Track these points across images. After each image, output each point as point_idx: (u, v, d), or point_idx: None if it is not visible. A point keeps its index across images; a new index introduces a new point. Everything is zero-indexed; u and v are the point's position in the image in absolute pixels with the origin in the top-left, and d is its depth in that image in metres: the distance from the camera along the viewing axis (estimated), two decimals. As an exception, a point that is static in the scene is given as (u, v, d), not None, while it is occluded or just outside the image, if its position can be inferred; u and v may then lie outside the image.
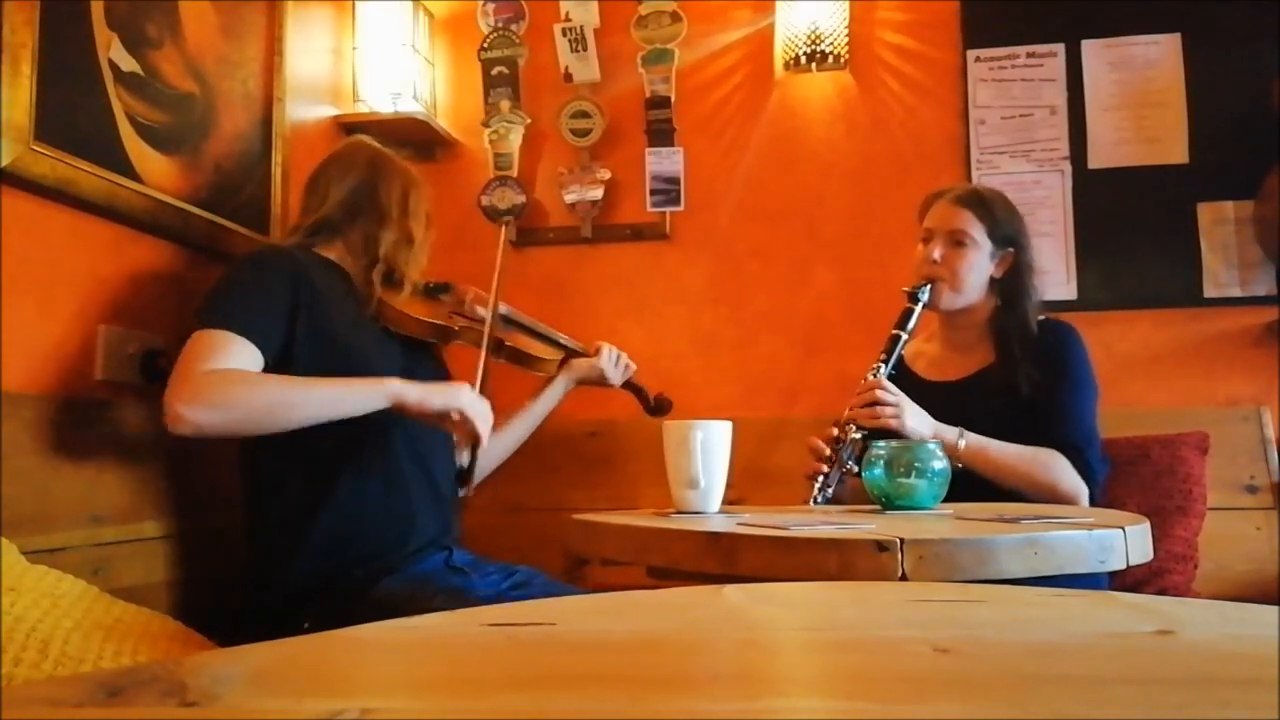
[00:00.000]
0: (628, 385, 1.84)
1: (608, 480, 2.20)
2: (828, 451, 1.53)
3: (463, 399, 1.36)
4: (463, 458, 1.38)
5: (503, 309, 1.62)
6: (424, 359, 1.59)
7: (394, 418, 1.43)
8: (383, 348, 1.49)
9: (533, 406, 1.75)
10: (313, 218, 1.53)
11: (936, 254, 1.65)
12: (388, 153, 1.61)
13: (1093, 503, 1.54)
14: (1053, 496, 1.51)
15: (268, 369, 1.33)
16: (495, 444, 1.71)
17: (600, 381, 1.79)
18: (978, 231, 1.65)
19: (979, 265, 1.65)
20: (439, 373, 1.63)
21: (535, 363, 1.70)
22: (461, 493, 1.43)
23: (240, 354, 1.29)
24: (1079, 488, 1.52)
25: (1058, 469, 1.51)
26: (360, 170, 1.55)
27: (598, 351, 1.79)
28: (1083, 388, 1.61)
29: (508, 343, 1.64)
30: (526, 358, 1.68)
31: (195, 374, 1.25)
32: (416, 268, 1.56)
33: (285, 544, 1.37)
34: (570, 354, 1.78)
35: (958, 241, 1.65)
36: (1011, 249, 1.67)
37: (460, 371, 1.70)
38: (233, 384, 1.26)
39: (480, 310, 1.59)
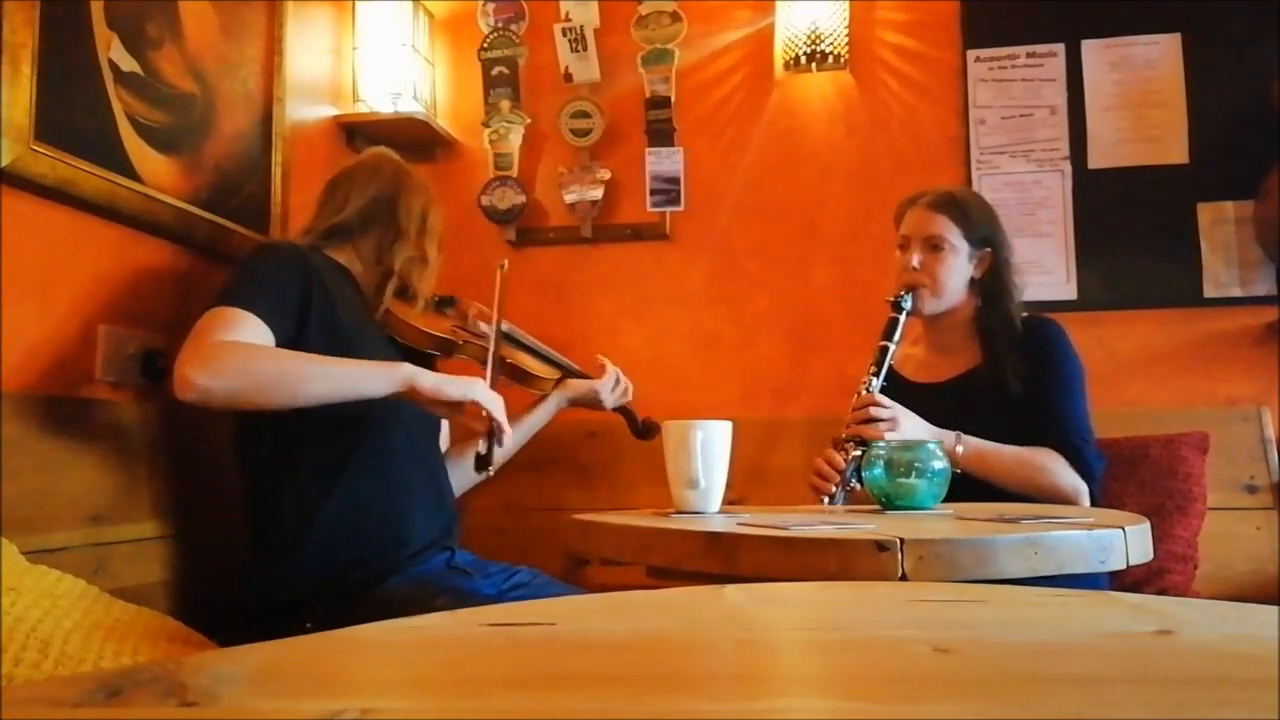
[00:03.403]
0: (618, 409, 1.85)
1: (607, 480, 2.20)
2: (835, 475, 1.53)
3: (477, 389, 1.36)
4: (481, 445, 1.39)
5: (505, 326, 1.64)
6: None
7: (397, 418, 1.43)
8: (386, 354, 1.49)
9: (523, 423, 1.76)
10: (328, 221, 1.55)
11: (915, 260, 1.65)
12: (411, 169, 1.63)
13: (1093, 499, 1.54)
14: (1054, 496, 1.51)
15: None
16: None
17: (594, 403, 1.80)
18: (954, 235, 1.65)
19: (958, 268, 1.66)
20: None
21: (533, 381, 1.71)
22: (480, 476, 1.43)
23: (253, 330, 1.29)
24: (1079, 486, 1.52)
25: (1056, 469, 1.51)
26: (383, 182, 1.57)
27: (602, 371, 1.81)
28: (1073, 385, 1.61)
29: (508, 360, 1.65)
30: (525, 375, 1.69)
31: (206, 342, 1.24)
32: (428, 285, 1.58)
33: (287, 544, 1.37)
34: (567, 374, 1.80)
35: (935, 246, 1.65)
36: (989, 248, 1.68)
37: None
38: (244, 353, 1.26)
39: (484, 326, 1.61)
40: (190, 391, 1.20)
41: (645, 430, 1.85)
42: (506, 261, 1.58)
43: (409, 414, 1.49)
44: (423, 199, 1.59)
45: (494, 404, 1.36)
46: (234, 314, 1.29)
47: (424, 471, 1.51)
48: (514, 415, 1.74)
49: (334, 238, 1.54)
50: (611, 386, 1.81)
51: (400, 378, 1.31)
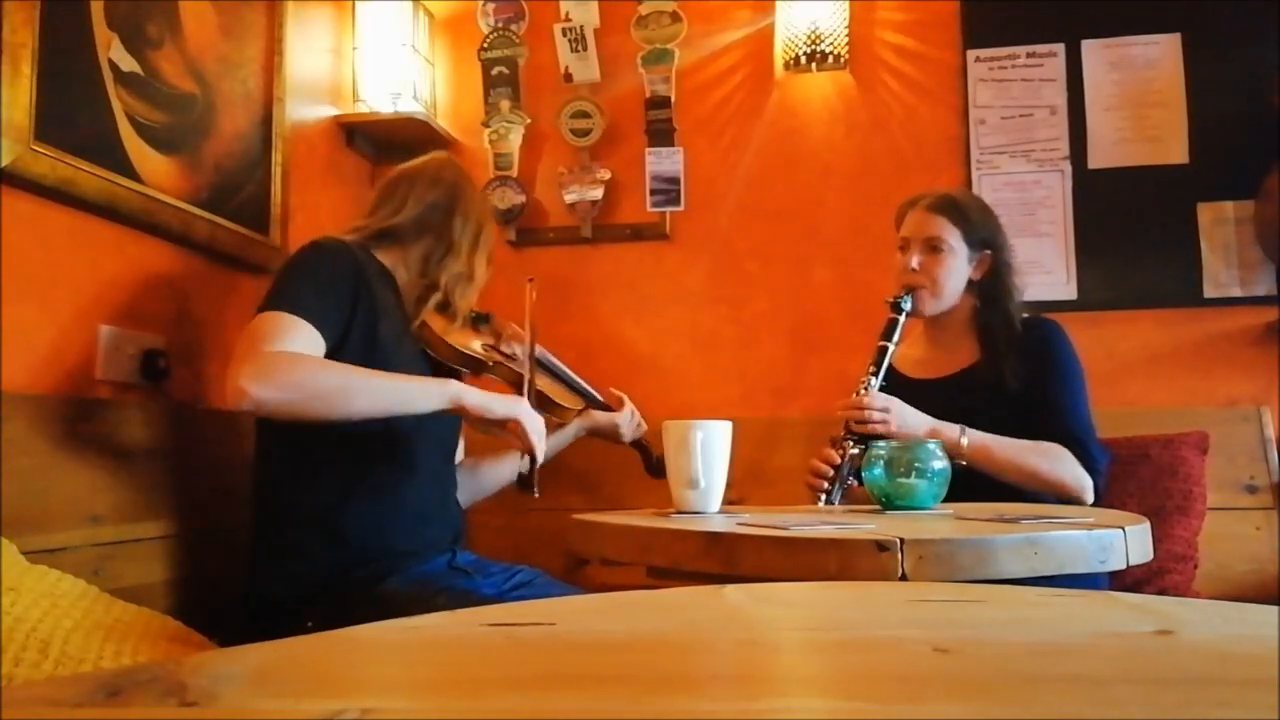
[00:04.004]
0: (634, 443, 1.85)
1: (608, 481, 2.20)
2: (830, 471, 1.54)
3: (521, 410, 1.39)
4: (522, 464, 1.45)
5: (537, 351, 1.64)
6: None
7: (422, 436, 1.45)
8: (419, 367, 1.50)
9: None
10: (382, 223, 1.53)
11: (915, 262, 1.66)
12: (472, 181, 1.62)
13: (1098, 492, 1.54)
14: (1058, 489, 1.51)
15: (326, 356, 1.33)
16: (495, 475, 1.74)
17: (612, 436, 1.81)
18: (954, 237, 1.66)
19: (957, 270, 1.67)
20: None
21: (556, 409, 1.70)
22: (532, 492, 1.47)
23: (303, 337, 1.29)
24: (1084, 479, 1.52)
25: (1062, 462, 1.52)
26: (442, 192, 1.56)
27: (620, 404, 1.81)
28: (1073, 381, 1.61)
29: (536, 385, 1.65)
30: (550, 403, 1.68)
31: (261, 352, 1.24)
32: (469, 303, 1.57)
33: (294, 545, 1.38)
34: (590, 403, 1.80)
35: (934, 248, 1.66)
36: (989, 251, 1.69)
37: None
38: (299, 365, 1.25)
39: (516, 348, 1.61)
40: (244, 402, 1.20)
41: (660, 469, 1.85)
42: (533, 279, 1.58)
43: (433, 434, 1.49)
44: (479, 213, 1.58)
45: (533, 425, 1.40)
46: (286, 320, 1.28)
47: (438, 487, 1.53)
48: None
49: (384, 239, 1.53)
50: (630, 420, 1.82)
51: (449, 395, 1.33)
